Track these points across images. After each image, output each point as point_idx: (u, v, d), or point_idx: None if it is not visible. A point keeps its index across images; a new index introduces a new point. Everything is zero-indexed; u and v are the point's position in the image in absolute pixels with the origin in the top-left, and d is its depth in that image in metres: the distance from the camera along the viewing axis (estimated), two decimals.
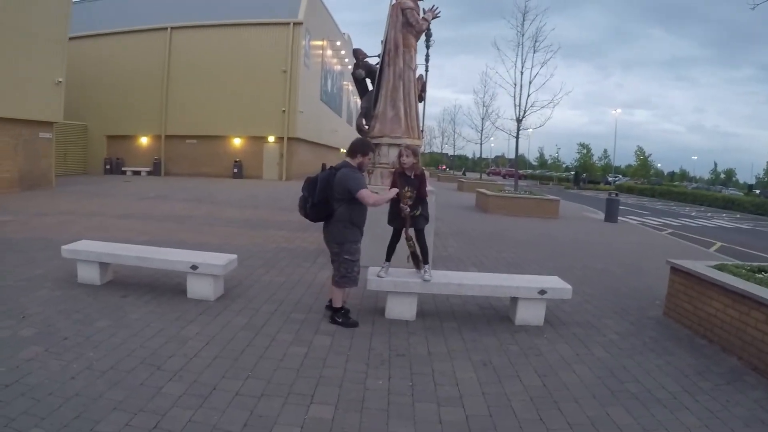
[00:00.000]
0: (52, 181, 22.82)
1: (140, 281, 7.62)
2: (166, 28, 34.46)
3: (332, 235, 6.04)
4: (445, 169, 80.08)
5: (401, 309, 6.47)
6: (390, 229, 6.62)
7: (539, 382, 4.83)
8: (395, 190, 6.15)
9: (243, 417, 3.96)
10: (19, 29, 19.35)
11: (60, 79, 21.95)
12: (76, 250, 7.38)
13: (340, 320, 6.15)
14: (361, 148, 6.16)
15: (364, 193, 5.86)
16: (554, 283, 6.72)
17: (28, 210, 14.89)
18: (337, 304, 6.21)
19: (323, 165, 6.39)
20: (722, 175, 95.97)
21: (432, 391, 4.55)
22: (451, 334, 6.04)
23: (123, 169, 35.06)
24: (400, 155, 6.43)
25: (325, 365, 5.01)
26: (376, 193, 6.33)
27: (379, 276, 6.42)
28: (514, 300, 6.57)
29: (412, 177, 6.36)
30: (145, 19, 35.32)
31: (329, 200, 5.91)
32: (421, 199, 6.44)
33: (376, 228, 6.67)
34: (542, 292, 6.41)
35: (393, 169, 6.63)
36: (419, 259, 6.49)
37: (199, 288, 6.89)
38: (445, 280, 6.65)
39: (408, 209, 6.22)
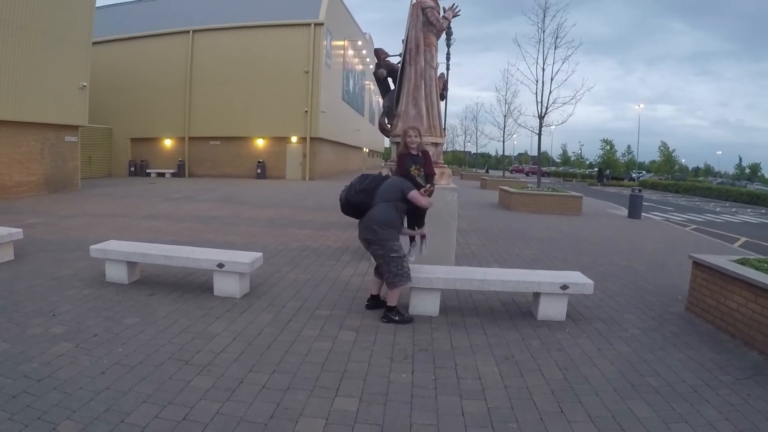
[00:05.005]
0: (77, 183, 23.27)
1: (167, 280, 7.78)
2: (188, 31, 34.87)
3: (370, 234, 6.09)
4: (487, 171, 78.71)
5: (424, 305, 6.53)
6: None
7: (561, 376, 4.88)
8: (430, 200, 6.28)
9: (269, 409, 4.05)
10: (44, 34, 19.73)
11: (84, 83, 22.36)
12: (105, 250, 7.53)
13: (397, 318, 6.18)
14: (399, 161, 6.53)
15: (416, 194, 6.03)
16: (576, 278, 6.73)
17: (56, 212, 15.20)
18: (392, 303, 6.23)
19: (380, 173, 6.52)
20: (747, 170, 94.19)
21: (455, 385, 4.62)
22: (474, 330, 6.10)
23: (147, 171, 35.55)
24: (406, 135, 6.49)
25: (350, 360, 5.10)
26: None
27: (408, 258, 6.50)
28: (536, 295, 6.61)
29: (419, 155, 6.45)
30: (167, 22, 35.74)
31: (374, 192, 6.06)
32: (431, 177, 6.50)
33: None
34: (564, 287, 6.44)
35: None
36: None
37: (225, 286, 7.02)
38: (468, 275, 6.68)
39: (432, 187, 6.27)
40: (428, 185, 6.27)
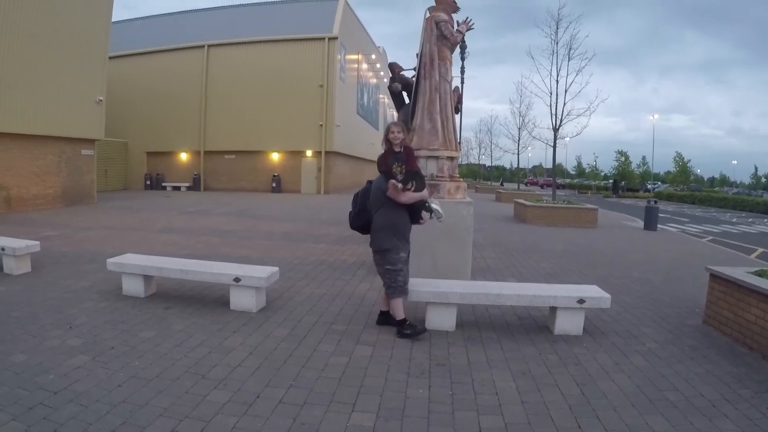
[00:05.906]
0: (94, 196, 23.56)
1: (183, 294, 7.83)
2: (203, 46, 35.28)
3: (372, 243, 6.16)
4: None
5: (441, 319, 6.51)
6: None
7: (578, 391, 4.85)
8: (418, 195, 6.04)
9: (286, 424, 4.05)
10: (61, 49, 20.08)
11: (100, 98, 22.68)
12: (121, 263, 7.60)
13: (408, 332, 6.15)
14: (382, 158, 6.32)
15: (391, 190, 5.89)
16: (593, 292, 6.69)
17: (72, 225, 15.39)
18: (399, 317, 6.24)
19: (368, 181, 6.48)
20: (763, 179, 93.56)
21: (472, 400, 4.61)
22: (491, 344, 6.08)
23: (163, 184, 35.93)
24: (389, 131, 6.32)
25: (367, 375, 5.10)
26: None
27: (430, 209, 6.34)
28: (553, 310, 6.58)
29: (401, 152, 6.32)
30: (183, 37, 36.22)
31: (367, 208, 6.12)
32: (412, 173, 6.34)
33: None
34: (581, 301, 6.41)
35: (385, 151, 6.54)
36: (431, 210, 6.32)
37: (241, 300, 7.04)
38: (484, 290, 6.68)
39: (400, 184, 5.89)
40: (396, 179, 5.92)
